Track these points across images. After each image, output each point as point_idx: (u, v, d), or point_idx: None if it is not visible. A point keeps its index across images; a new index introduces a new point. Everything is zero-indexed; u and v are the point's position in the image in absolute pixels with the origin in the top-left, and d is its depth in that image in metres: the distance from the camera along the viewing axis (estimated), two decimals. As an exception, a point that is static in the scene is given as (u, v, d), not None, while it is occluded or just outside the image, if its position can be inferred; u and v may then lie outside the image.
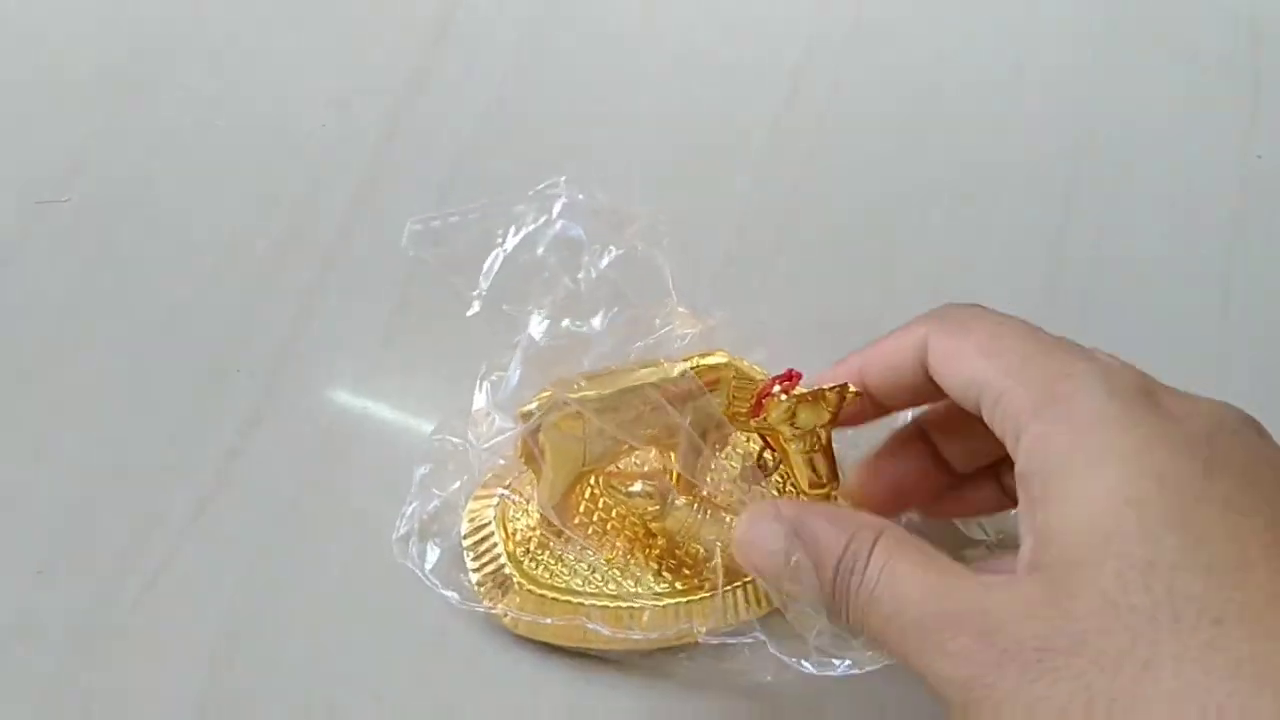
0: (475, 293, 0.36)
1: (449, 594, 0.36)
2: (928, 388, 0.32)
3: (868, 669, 0.32)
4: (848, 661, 0.32)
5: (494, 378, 0.37)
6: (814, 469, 0.35)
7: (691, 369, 0.34)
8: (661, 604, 0.36)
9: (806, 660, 0.32)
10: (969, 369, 0.30)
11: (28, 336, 0.42)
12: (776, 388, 0.34)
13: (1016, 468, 0.28)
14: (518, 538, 0.37)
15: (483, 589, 0.36)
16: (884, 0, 0.53)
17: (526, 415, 0.34)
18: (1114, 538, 0.25)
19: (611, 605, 0.36)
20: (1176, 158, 0.48)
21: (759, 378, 0.35)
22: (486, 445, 0.36)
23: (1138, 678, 0.24)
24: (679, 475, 0.35)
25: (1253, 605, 0.24)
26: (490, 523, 0.37)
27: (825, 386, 0.33)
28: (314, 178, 0.46)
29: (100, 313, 0.42)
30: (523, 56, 0.50)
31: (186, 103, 0.48)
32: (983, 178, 0.48)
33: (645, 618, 0.36)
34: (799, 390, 0.34)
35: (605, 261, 0.37)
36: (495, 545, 0.37)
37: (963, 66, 0.51)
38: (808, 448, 0.35)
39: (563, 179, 0.37)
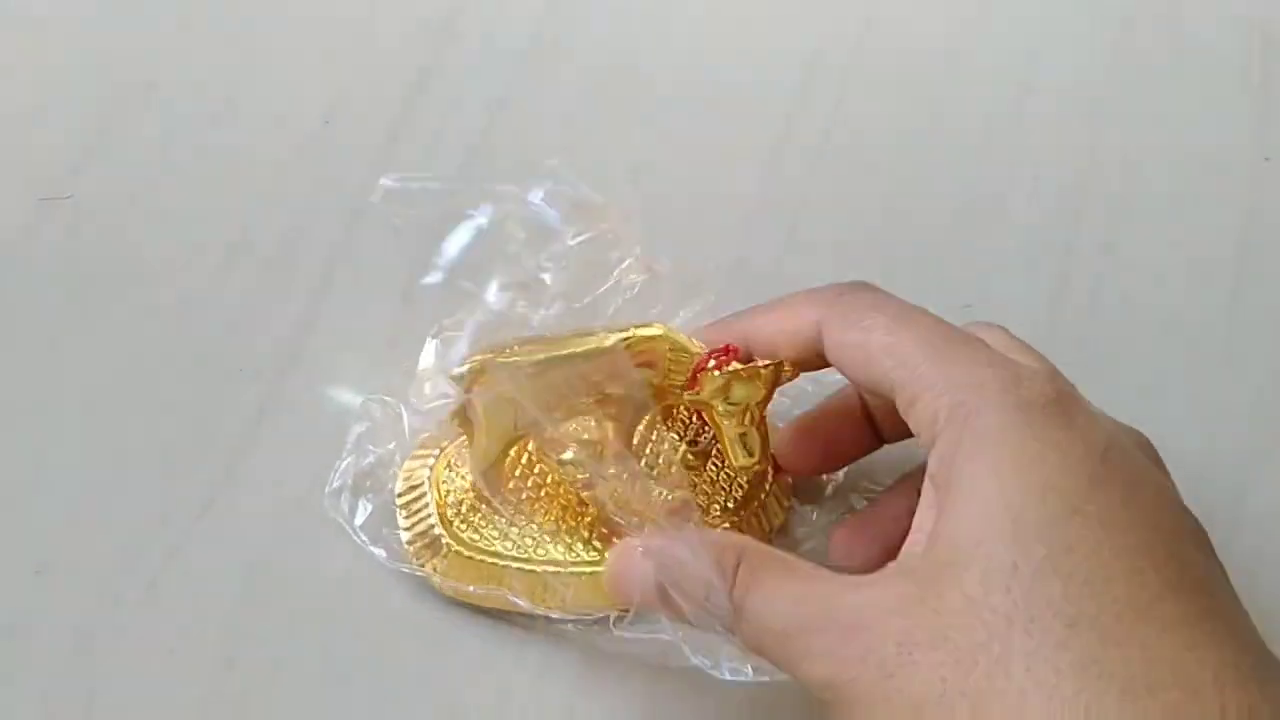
0: (438, 260, 0.36)
1: (377, 551, 0.36)
2: (818, 363, 0.33)
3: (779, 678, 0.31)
4: (764, 674, 0.32)
5: (444, 337, 0.37)
6: (746, 446, 0.34)
7: (626, 339, 0.34)
8: (588, 573, 0.36)
9: (718, 667, 0.32)
10: (876, 370, 0.31)
11: (30, 334, 0.42)
12: (712, 362, 0.34)
13: (928, 469, 0.29)
14: (451, 499, 0.37)
15: (412, 548, 0.36)
16: (892, 6, 0.53)
17: (459, 378, 0.34)
18: (985, 542, 0.26)
19: (539, 571, 0.36)
20: (1185, 161, 0.48)
21: (695, 351, 0.34)
22: (426, 408, 0.36)
23: (991, 673, 0.25)
24: (610, 445, 0.35)
25: (1106, 614, 0.25)
26: (424, 483, 0.37)
27: (760, 364, 0.33)
28: (318, 176, 0.46)
29: (102, 311, 0.42)
30: (527, 57, 0.50)
31: (189, 100, 0.48)
32: (989, 180, 0.47)
33: (570, 586, 0.35)
34: (734, 366, 0.33)
35: (574, 242, 0.37)
36: (427, 505, 0.37)
37: (970, 70, 0.51)
38: (741, 424, 0.34)
39: (555, 161, 0.37)
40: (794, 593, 0.29)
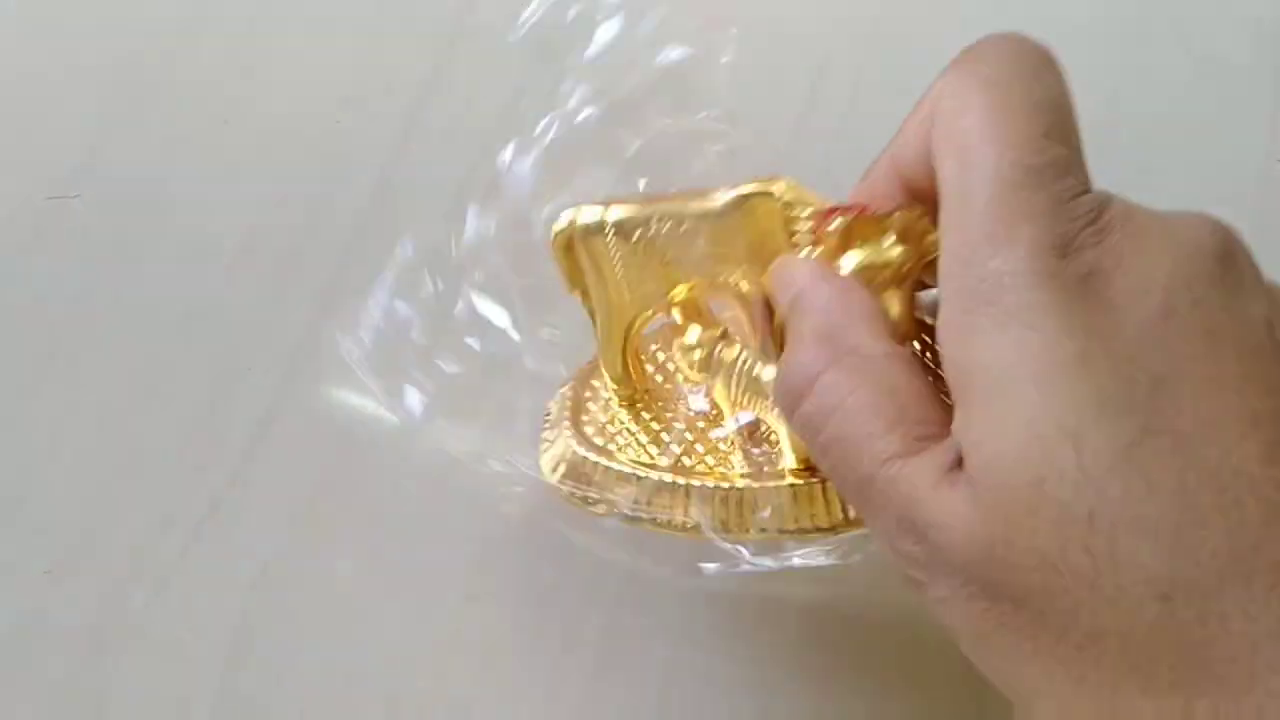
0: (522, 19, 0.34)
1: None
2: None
3: None
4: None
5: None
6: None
7: (745, 195, 0.29)
8: (724, 486, 0.30)
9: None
10: (940, 167, 0.25)
11: (38, 334, 0.42)
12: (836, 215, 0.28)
13: (938, 337, 0.24)
14: (594, 419, 0.33)
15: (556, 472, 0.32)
16: (899, 7, 0.52)
17: (560, 234, 0.30)
18: (1049, 481, 0.21)
19: (682, 483, 0.31)
20: (1194, 162, 0.48)
21: (817, 205, 0.28)
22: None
23: (1082, 646, 0.21)
24: (742, 327, 0.30)
25: (1204, 580, 0.20)
26: (565, 410, 0.33)
27: (885, 212, 0.27)
28: (329, 176, 0.46)
29: (111, 311, 0.42)
30: (539, 56, 0.50)
31: (199, 99, 0.48)
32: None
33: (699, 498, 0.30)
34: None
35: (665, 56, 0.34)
36: (567, 430, 0.32)
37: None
38: (878, 285, 0.27)
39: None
40: (885, 433, 0.24)
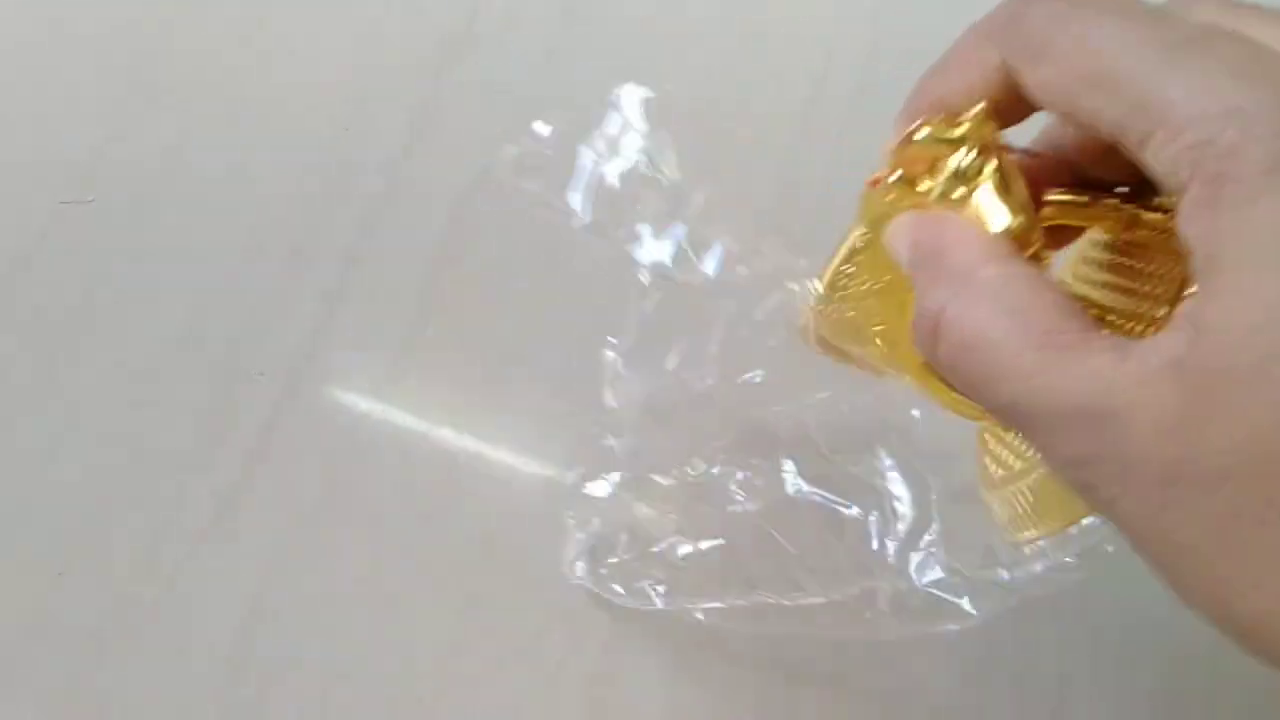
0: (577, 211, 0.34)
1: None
2: (1019, 109, 0.25)
3: None
4: None
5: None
6: (1005, 202, 0.25)
7: (865, 207, 0.27)
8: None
9: None
10: (1086, 111, 0.23)
11: (49, 338, 0.42)
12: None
13: (1180, 230, 0.22)
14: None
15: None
16: (903, 3, 0.52)
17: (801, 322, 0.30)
18: (1272, 358, 0.20)
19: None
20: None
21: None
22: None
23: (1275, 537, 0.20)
24: None
25: None
26: None
27: (930, 121, 0.26)
28: (336, 179, 0.46)
29: (121, 314, 0.42)
30: (544, 60, 0.50)
31: (208, 104, 0.48)
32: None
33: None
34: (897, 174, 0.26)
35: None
36: None
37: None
38: (969, 194, 0.25)
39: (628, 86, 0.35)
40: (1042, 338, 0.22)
